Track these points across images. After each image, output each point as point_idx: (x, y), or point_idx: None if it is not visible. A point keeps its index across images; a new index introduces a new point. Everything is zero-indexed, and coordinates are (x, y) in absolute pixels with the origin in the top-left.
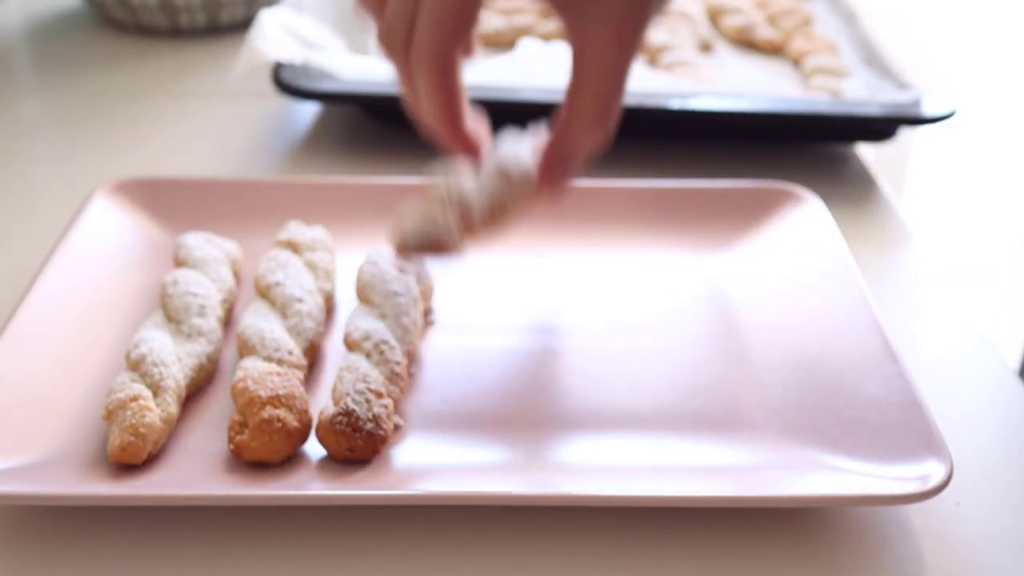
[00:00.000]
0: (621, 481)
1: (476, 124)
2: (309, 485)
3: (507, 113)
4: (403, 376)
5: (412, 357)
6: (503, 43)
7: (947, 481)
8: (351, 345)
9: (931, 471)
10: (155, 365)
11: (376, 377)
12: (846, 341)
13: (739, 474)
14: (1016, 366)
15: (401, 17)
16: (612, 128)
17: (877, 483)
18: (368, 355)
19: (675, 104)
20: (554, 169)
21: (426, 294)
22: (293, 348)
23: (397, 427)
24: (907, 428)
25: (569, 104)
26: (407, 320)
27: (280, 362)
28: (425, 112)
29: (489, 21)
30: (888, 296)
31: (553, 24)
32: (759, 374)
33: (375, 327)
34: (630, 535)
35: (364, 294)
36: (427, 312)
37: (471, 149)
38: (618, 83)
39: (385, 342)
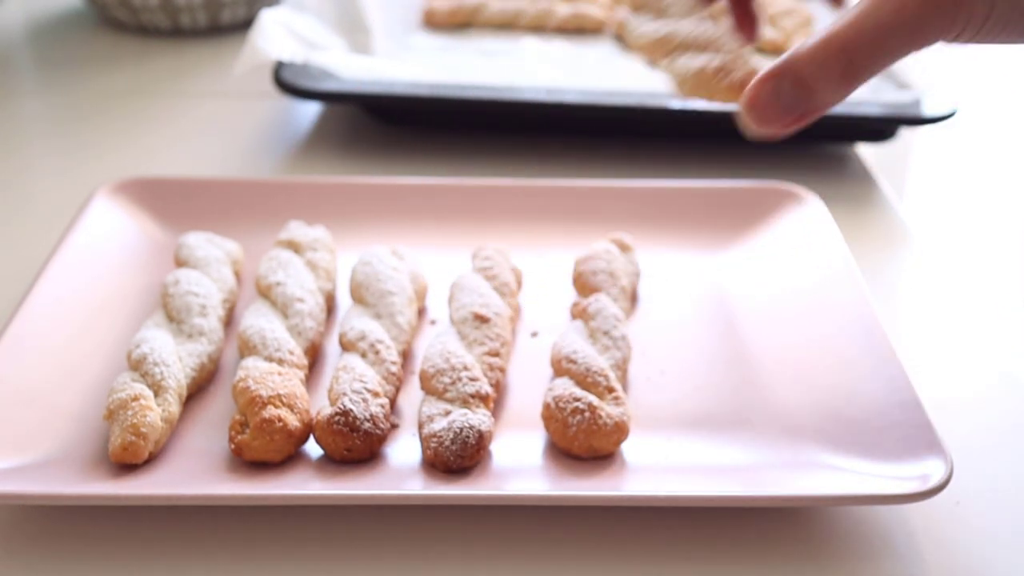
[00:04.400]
0: (621, 481)
1: None
2: (309, 485)
3: (507, 113)
4: (399, 375)
5: (407, 356)
6: (456, 23)
7: (947, 481)
8: (346, 345)
9: (931, 471)
10: (156, 365)
11: (372, 377)
12: (846, 341)
13: (739, 474)
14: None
15: None
16: (849, 88)
17: (877, 483)
18: (364, 355)
19: (675, 104)
20: (765, 93)
21: (420, 293)
22: (294, 348)
23: (394, 426)
24: (907, 428)
25: (826, 33)
26: (402, 319)
27: (281, 362)
28: None
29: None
30: (888, 296)
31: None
32: (759, 374)
33: (370, 327)
34: (630, 535)
35: (358, 294)
36: (422, 311)
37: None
38: (887, 32)
39: (380, 341)
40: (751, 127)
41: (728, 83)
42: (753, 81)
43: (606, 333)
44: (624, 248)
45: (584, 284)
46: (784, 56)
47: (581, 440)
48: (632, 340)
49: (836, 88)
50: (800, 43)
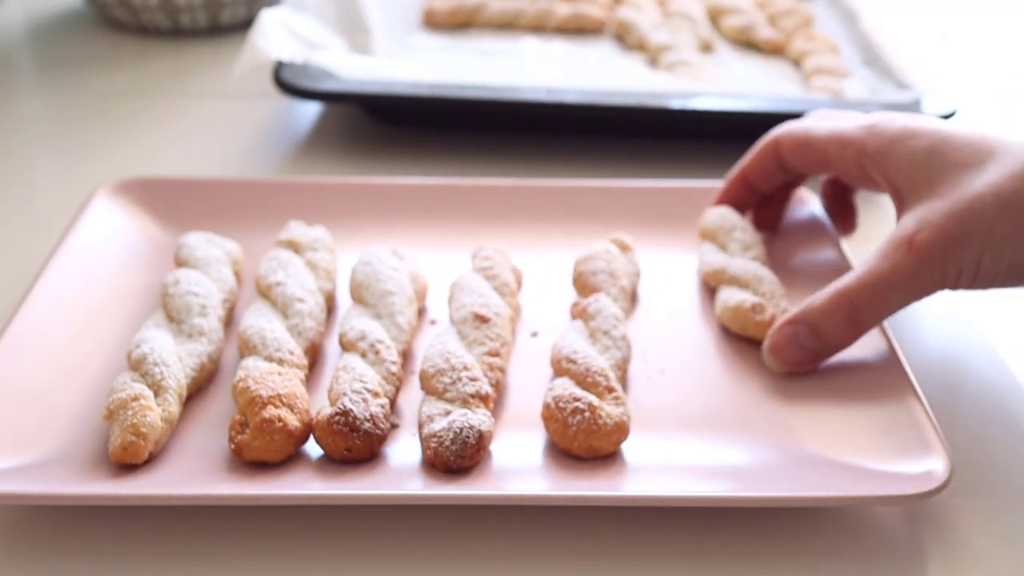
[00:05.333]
0: (621, 481)
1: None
2: (309, 485)
3: (507, 113)
4: (399, 375)
5: (407, 356)
6: (456, 23)
7: (947, 481)
8: (346, 345)
9: (931, 471)
10: (156, 365)
11: (372, 377)
12: None
13: (739, 474)
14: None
15: None
16: (855, 335)
17: (877, 483)
18: (364, 355)
19: (675, 104)
20: (784, 338)
21: (420, 293)
22: (294, 348)
23: (394, 426)
24: (907, 428)
25: (836, 287)
26: (402, 319)
27: (281, 362)
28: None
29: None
30: None
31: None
32: (759, 374)
33: (370, 327)
34: (630, 535)
35: (358, 294)
36: (422, 311)
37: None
38: (886, 287)
39: (380, 341)
40: (773, 365)
41: (757, 321)
42: (774, 327)
43: (606, 333)
44: (624, 248)
45: (584, 284)
46: (801, 305)
47: (581, 440)
48: (632, 340)
49: (844, 335)
50: (816, 294)
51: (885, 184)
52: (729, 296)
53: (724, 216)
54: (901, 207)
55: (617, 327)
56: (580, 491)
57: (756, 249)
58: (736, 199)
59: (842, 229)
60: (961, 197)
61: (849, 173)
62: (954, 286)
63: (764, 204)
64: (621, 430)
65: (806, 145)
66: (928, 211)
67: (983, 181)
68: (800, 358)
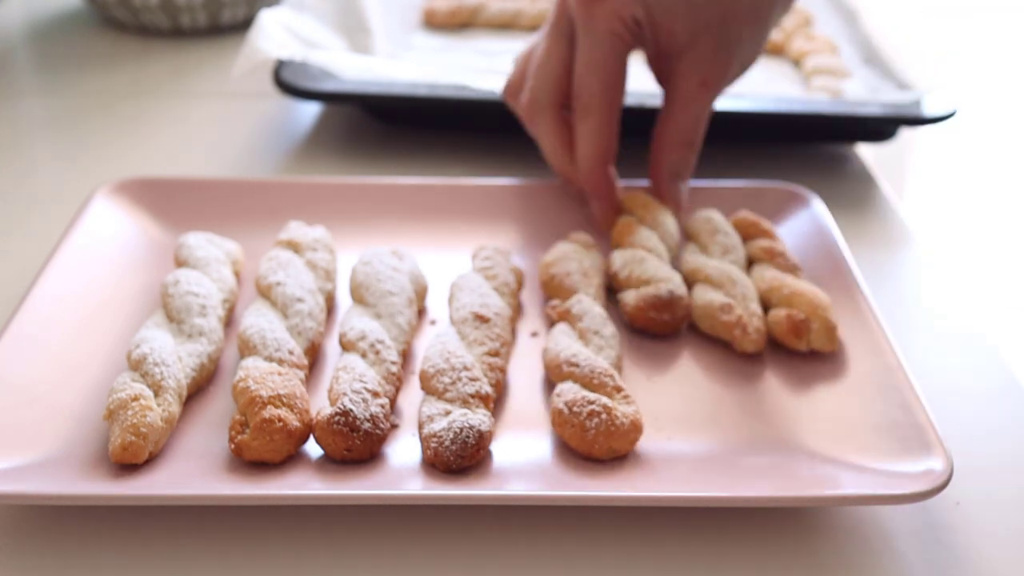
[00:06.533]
0: (621, 481)
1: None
2: (309, 485)
3: (507, 113)
4: (399, 375)
5: (407, 356)
6: (456, 23)
7: (947, 481)
8: (346, 345)
9: (931, 471)
10: (156, 365)
11: (372, 377)
12: (846, 340)
13: (740, 474)
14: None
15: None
16: (699, 146)
17: (877, 483)
18: (364, 355)
19: None
20: (664, 184)
21: (420, 294)
22: (294, 348)
23: (394, 426)
24: (907, 428)
25: (660, 130)
26: (402, 319)
27: (281, 362)
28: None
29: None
30: (888, 296)
31: (506, 4)
32: (759, 374)
33: (370, 327)
34: (630, 535)
35: (358, 294)
36: (422, 311)
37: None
38: (701, 117)
39: (381, 342)
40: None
41: (724, 321)
42: (665, 192)
43: (597, 333)
44: (588, 247)
45: (559, 286)
46: (654, 159)
47: (601, 442)
48: (632, 340)
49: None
50: (660, 141)
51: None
52: (700, 295)
53: (708, 219)
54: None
55: (606, 325)
56: (579, 491)
57: (736, 253)
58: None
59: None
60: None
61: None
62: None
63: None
64: (637, 428)
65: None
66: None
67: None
68: (681, 186)
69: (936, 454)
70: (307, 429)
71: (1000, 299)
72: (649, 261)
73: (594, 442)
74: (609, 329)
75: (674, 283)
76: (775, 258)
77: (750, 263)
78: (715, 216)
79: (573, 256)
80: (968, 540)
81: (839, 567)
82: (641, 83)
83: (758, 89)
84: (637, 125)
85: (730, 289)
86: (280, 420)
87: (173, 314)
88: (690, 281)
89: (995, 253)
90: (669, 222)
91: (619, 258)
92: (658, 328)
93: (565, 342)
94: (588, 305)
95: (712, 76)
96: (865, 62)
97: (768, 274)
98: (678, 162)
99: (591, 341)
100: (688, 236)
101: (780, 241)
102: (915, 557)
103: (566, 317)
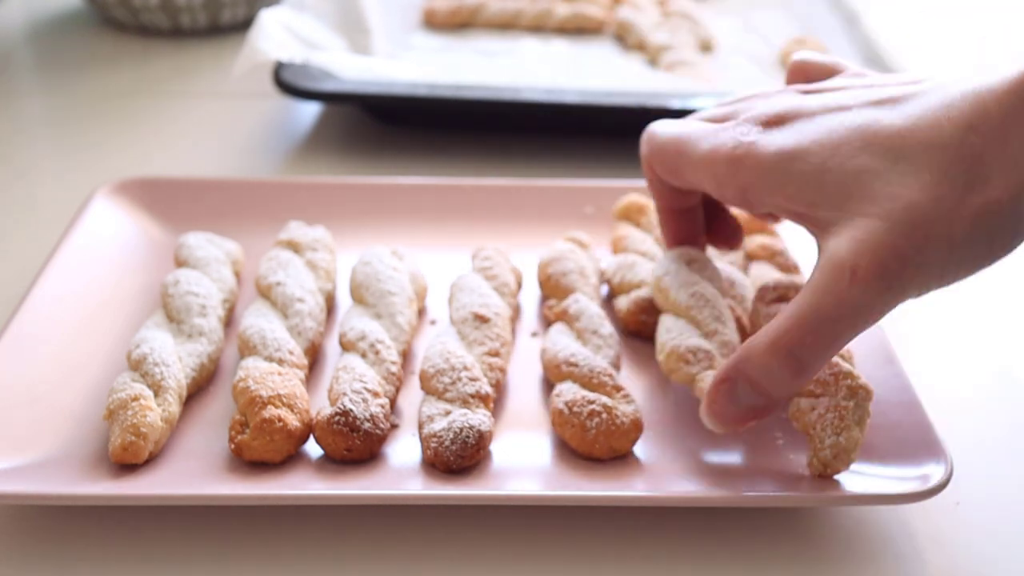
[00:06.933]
0: (620, 481)
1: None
2: (309, 485)
3: (507, 113)
4: (399, 375)
5: (407, 356)
6: (456, 23)
7: (947, 481)
8: (346, 345)
9: (931, 471)
10: (156, 365)
11: (372, 377)
12: None
13: (740, 474)
14: (1016, 366)
15: None
16: (802, 382)
17: (877, 483)
18: (364, 355)
19: (675, 104)
20: (721, 397)
21: (420, 294)
22: (294, 348)
23: (394, 426)
24: (907, 428)
25: (771, 335)
26: (402, 319)
27: (281, 362)
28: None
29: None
30: None
31: (506, 4)
32: None
33: (370, 327)
34: (630, 535)
35: (358, 294)
36: (422, 311)
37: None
38: (831, 324)
39: (381, 342)
40: (713, 427)
41: (685, 374)
42: (710, 386)
43: (595, 332)
44: (583, 246)
45: (556, 285)
46: (734, 358)
47: (602, 442)
48: (629, 342)
49: (789, 385)
50: (749, 341)
51: (782, 214)
52: (670, 331)
53: None
54: (815, 231)
55: (604, 324)
56: (579, 491)
57: (733, 253)
58: (679, 233)
59: (725, 245)
60: (895, 209)
61: (733, 203)
62: (917, 296)
63: (713, 221)
64: (638, 427)
65: (679, 175)
66: (860, 232)
67: (913, 189)
68: (743, 417)
69: (936, 454)
70: (307, 429)
71: (1000, 299)
72: (640, 265)
73: (595, 442)
74: (607, 328)
75: None
76: (774, 256)
77: (748, 261)
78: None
79: (570, 255)
80: (968, 540)
81: (839, 567)
82: (642, 83)
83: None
84: (637, 125)
85: (727, 290)
86: (280, 420)
87: (173, 314)
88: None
89: None
90: None
91: (612, 264)
92: (651, 331)
93: (563, 342)
94: (585, 304)
95: (872, 264)
96: (865, 62)
97: (766, 273)
98: (760, 379)
99: (589, 341)
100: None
101: (780, 239)
102: (915, 557)
103: (563, 317)
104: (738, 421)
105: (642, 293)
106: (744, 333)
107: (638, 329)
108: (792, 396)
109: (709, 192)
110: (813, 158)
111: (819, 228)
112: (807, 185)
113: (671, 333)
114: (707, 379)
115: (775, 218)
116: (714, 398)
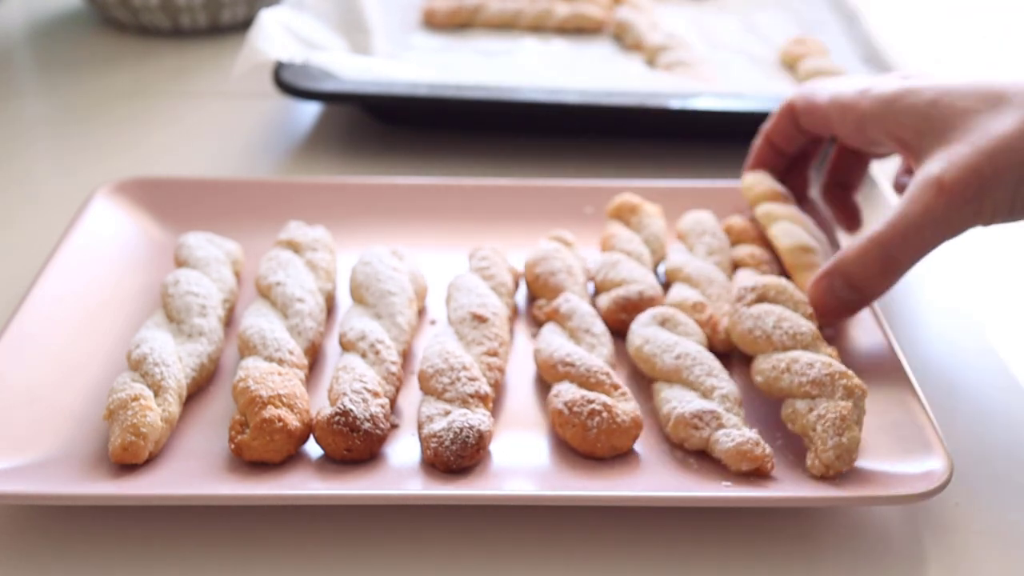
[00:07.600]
0: (620, 481)
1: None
2: (309, 485)
3: (507, 113)
4: (399, 375)
5: (407, 356)
6: (456, 23)
7: (947, 481)
8: (346, 345)
9: (931, 471)
10: (156, 365)
11: (372, 377)
12: (846, 341)
13: (740, 474)
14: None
15: None
16: (890, 281)
17: (877, 483)
18: (364, 355)
19: (674, 104)
20: (821, 292)
21: (420, 294)
22: (294, 348)
23: (394, 426)
24: (907, 428)
25: (868, 235)
26: (402, 319)
27: (281, 362)
28: None
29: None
30: (887, 296)
31: (506, 4)
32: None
33: (370, 327)
34: (630, 535)
35: (358, 294)
36: (422, 311)
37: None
38: (917, 229)
39: (380, 342)
40: (819, 319)
41: (696, 320)
42: (811, 281)
43: (587, 331)
44: (567, 245)
45: (544, 285)
46: (835, 256)
47: (603, 441)
48: (617, 341)
49: (880, 282)
50: (849, 244)
51: (891, 141)
52: (676, 293)
53: (699, 220)
54: (915, 158)
55: (596, 323)
56: (579, 491)
57: (721, 255)
58: (764, 161)
59: (848, 226)
60: (985, 138)
61: (852, 136)
62: (988, 222)
63: (792, 170)
64: (638, 425)
65: (812, 110)
66: (952, 154)
67: (1004, 124)
68: (839, 309)
69: (936, 454)
70: (307, 429)
71: (1000, 299)
72: (623, 264)
73: (596, 441)
74: (599, 326)
75: (645, 284)
76: (760, 265)
77: (735, 268)
78: (705, 218)
79: (556, 255)
80: (968, 540)
81: (839, 567)
82: (641, 83)
83: (757, 89)
84: (637, 125)
85: (706, 288)
86: (280, 420)
87: (173, 314)
88: (670, 280)
89: (995, 253)
90: (655, 224)
91: (596, 262)
92: None
93: (557, 341)
94: (576, 303)
95: (958, 180)
96: (865, 61)
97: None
98: (857, 280)
99: (583, 340)
100: (679, 236)
101: (766, 250)
102: (915, 557)
103: (555, 316)
104: (836, 315)
105: (621, 291)
106: (723, 341)
107: (619, 327)
108: (882, 293)
109: (833, 126)
110: (926, 93)
111: (920, 155)
112: (917, 115)
113: (671, 403)
114: (721, 440)
115: (879, 155)
116: (816, 291)
